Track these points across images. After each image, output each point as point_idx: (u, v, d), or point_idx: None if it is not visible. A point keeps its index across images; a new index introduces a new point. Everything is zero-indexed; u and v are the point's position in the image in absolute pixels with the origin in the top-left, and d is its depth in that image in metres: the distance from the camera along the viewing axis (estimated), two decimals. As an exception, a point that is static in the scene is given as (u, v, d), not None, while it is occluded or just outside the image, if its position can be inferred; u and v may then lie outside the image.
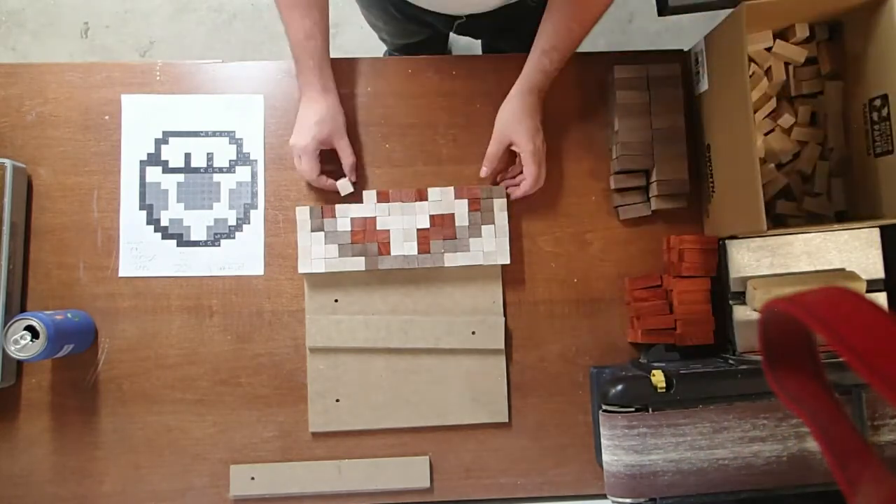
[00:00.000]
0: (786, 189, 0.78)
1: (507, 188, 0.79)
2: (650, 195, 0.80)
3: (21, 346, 0.68)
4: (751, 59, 0.76)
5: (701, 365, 0.69)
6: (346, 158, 0.78)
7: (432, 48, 1.15)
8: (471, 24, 0.88)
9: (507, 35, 0.96)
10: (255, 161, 0.81)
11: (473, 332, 0.77)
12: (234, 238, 0.79)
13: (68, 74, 0.80)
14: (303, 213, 0.77)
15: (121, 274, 0.78)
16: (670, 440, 0.62)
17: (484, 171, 0.79)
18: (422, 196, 0.78)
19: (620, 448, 0.63)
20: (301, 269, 0.77)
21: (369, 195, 0.78)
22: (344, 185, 0.78)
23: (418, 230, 0.78)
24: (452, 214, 0.78)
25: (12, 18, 1.60)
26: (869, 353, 0.26)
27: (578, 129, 0.82)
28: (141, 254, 0.78)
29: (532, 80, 0.75)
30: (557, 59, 0.73)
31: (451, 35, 1.29)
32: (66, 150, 0.79)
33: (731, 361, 0.71)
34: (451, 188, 0.79)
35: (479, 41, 1.20)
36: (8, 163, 0.74)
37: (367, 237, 0.77)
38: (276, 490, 0.75)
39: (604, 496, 0.65)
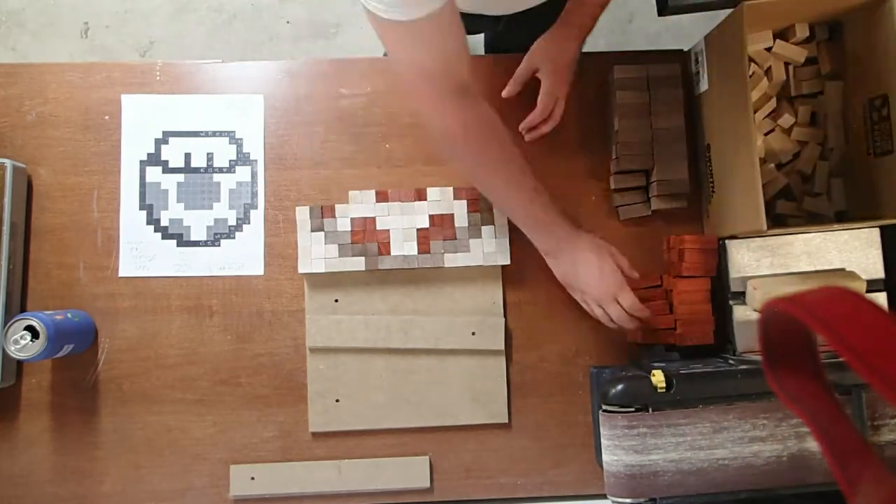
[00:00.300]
0: (786, 189, 0.78)
1: (522, 131, 0.77)
2: (650, 195, 0.80)
3: (21, 346, 0.68)
4: (751, 59, 0.76)
5: (701, 365, 0.69)
6: (625, 266, 0.71)
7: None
8: (511, 24, 0.86)
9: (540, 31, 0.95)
10: (255, 161, 0.81)
11: (473, 333, 0.77)
12: (234, 238, 0.79)
13: (68, 74, 0.80)
14: (303, 213, 0.77)
15: (121, 274, 0.78)
16: (670, 440, 0.62)
17: (506, 92, 0.76)
18: (421, 196, 0.78)
19: (620, 448, 0.63)
20: (301, 269, 0.77)
21: (369, 195, 0.78)
22: None
23: (418, 230, 0.78)
24: (452, 215, 0.78)
25: (12, 18, 1.60)
26: (869, 353, 0.26)
27: (578, 129, 0.82)
28: (141, 254, 0.78)
29: (575, 15, 0.73)
30: (599, 3, 0.71)
31: None
32: (66, 150, 0.79)
33: (731, 361, 0.71)
34: (451, 188, 0.79)
35: (482, 40, 1.19)
36: (8, 163, 0.74)
37: (367, 237, 0.77)
38: (276, 490, 0.75)
39: (604, 496, 0.65)
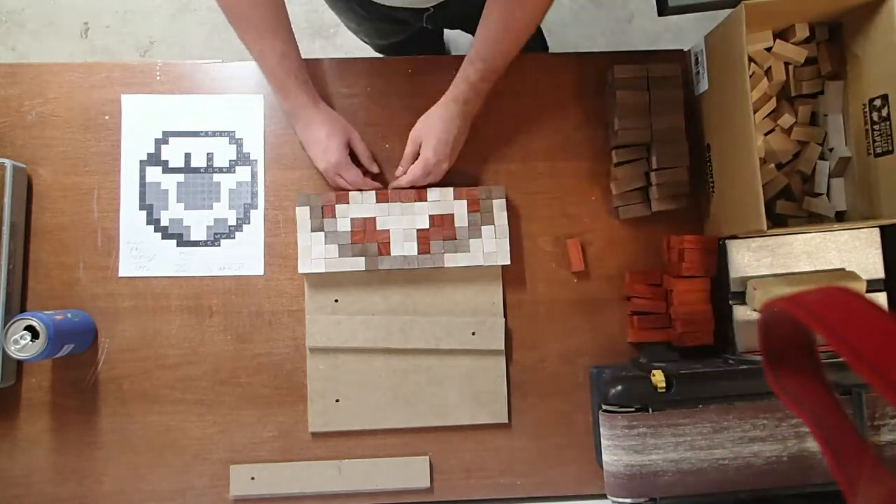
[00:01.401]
0: (786, 189, 0.78)
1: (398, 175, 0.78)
2: (650, 195, 0.80)
3: (21, 346, 0.68)
4: (751, 59, 0.76)
5: (701, 365, 0.69)
6: (364, 154, 0.78)
7: (421, 47, 1.13)
8: (439, 15, 0.86)
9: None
10: (255, 161, 0.81)
11: (473, 333, 0.77)
12: (234, 238, 0.79)
13: (68, 74, 0.80)
14: (303, 213, 0.77)
15: (121, 274, 0.78)
16: (670, 440, 0.62)
17: (398, 172, 0.79)
18: (422, 196, 0.78)
19: (620, 448, 0.63)
20: (301, 269, 0.77)
21: (369, 195, 0.78)
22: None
23: (418, 230, 0.78)
24: (452, 215, 0.78)
25: (12, 18, 1.60)
26: (869, 353, 0.26)
27: (578, 129, 0.82)
28: (141, 254, 0.78)
29: (457, 88, 0.73)
30: (482, 69, 0.71)
31: (453, 35, 1.28)
32: (66, 150, 0.79)
33: (731, 361, 0.71)
34: (451, 188, 0.79)
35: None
36: (8, 163, 0.74)
37: (367, 237, 0.77)
38: (276, 490, 0.75)
39: (604, 496, 0.65)
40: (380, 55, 1.18)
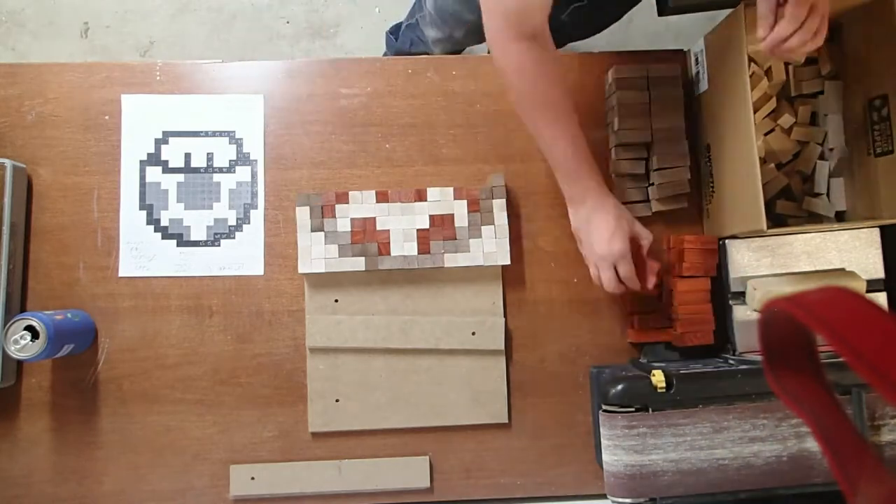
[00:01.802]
0: (786, 189, 0.78)
1: (774, 48, 0.61)
2: (650, 196, 0.80)
3: (21, 346, 0.68)
4: (751, 59, 0.76)
5: (701, 365, 0.69)
6: (646, 240, 0.73)
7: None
8: (583, 10, 0.86)
9: (622, 6, 0.93)
10: (255, 161, 0.81)
11: (473, 333, 0.77)
12: (234, 238, 0.79)
13: (68, 74, 0.80)
14: (303, 213, 0.77)
15: (121, 274, 0.78)
16: (670, 440, 0.62)
17: (760, 32, 0.62)
18: (422, 196, 0.78)
19: (620, 448, 0.63)
20: (301, 269, 0.77)
21: (369, 195, 0.78)
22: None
23: (418, 230, 0.78)
24: (452, 215, 0.78)
25: (12, 18, 1.60)
26: (869, 353, 0.26)
27: (578, 129, 0.82)
28: (141, 254, 0.78)
29: (565, 191, 0.73)
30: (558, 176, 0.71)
31: None
32: (66, 150, 0.79)
33: (731, 361, 0.71)
34: (451, 188, 0.79)
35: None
36: (8, 163, 0.74)
37: (367, 237, 0.77)
38: (276, 490, 0.75)
39: (604, 496, 0.65)
40: (380, 56, 1.18)
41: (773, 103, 0.78)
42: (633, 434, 0.63)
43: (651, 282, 0.74)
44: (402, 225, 0.78)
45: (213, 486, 0.76)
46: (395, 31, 1.23)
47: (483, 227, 0.78)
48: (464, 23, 0.98)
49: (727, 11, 0.70)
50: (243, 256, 0.79)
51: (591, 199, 0.71)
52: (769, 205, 0.76)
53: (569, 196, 0.73)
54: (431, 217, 0.78)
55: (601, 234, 0.71)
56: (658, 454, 0.62)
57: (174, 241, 0.79)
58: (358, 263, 0.77)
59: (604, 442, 0.65)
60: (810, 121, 0.78)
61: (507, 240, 0.78)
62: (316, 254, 0.77)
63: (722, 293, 0.75)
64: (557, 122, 0.69)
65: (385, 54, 1.43)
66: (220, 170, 0.80)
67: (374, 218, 0.78)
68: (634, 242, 0.72)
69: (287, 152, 0.81)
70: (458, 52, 1.12)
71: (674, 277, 0.76)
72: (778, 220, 0.78)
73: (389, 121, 0.82)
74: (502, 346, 0.78)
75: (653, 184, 0.78)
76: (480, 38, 1.04)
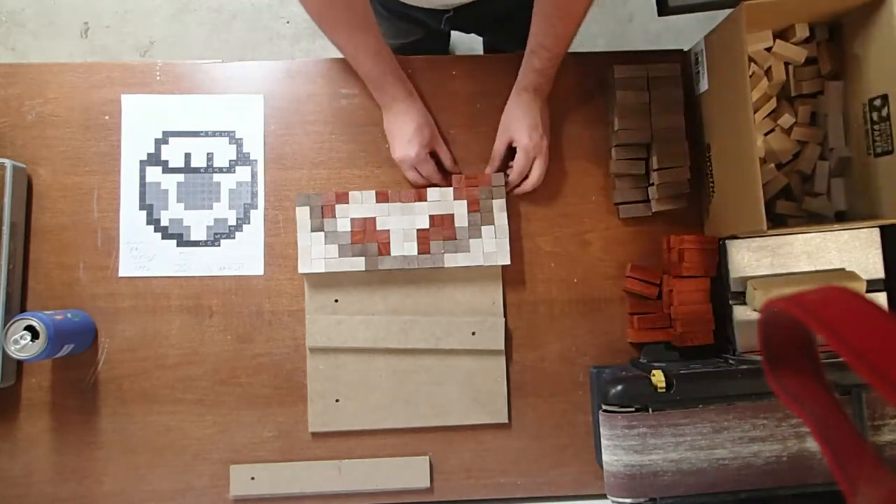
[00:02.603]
0: (786, 189, 0.78)
1: (506, 187, 0.79)
2: (650, 196, 0.80)
3: (21, 346, 0.68)
4: (751, 59, 0.76)
5: (701, 365, 0.69)
6: (447, 157, 0.80)
7: (432, 49, 1.14)
8: (459, 18, 0.87)
9: (501, 30, 0.95)
10: (255, 161, 0.81)
11: (473, 333, 0.77)
12: (234, 238, 0.79)
13: (68, 74, 0.80)
14: (303, 213, 0.77)
15: (121, 274, 0.78)
16: (670, 440, 0.62)
17: (488, 169, 0.80)
18: (421, 196, 0.78)
19: (620, 448, 0.63)
20: (301, 269, 0.77)
21: (369, 195, 0.78)
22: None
23: (418, 230, 0.78)
24: (452, 215, 0.78)
25: (12, 18, 1.60)
26: (869, 353, 0.26)
27: (578, 129, 0.82)
28: (141, 254, 0.78)
29: (525, 78, 0.76)
30: (547, 57, 0.73)
31: (453, 35, 1.28)
32: (66, 150, 0.79)
33: (731, 361, 0.72)
34: (451, 188, 0.79)
35: (482, 42, 1.19)
36: (8, 163, 0.74)
37: (367, 237, 0.77)
38: (276, 490, 0.75)
39: (604, 496, 0.65)
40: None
41: (773, 103, 0.78)
42: (633, 434, 0.63)
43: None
44: (402, 225, 0.78)
45: (213, 486, 0.76)
46: None
47: (483, 227, 0.78)
48: None
49: (727, 11, 0.70)
50: (243, 256, 0.79)
51: (396, 105, 0.77)
52: (769, 205, 0.76)
53: (379, 103, 0.79)
54: (431, 217, 0.78)
55: (401, 138, 0.77)
56: (658, 454, 0.62)
57: (174, 241, 0.79)
58: (358, 263, 0.77)
59: (604, 442, 0.65)
60: (810, 121, 0.78)
61: (507, 240, 0.78)
62: (316, 254, 0.77)
63: (722, 293, 0.75)
64: (356, 36, 0.72)
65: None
66: (220, 170, 0.80)
67: (374, 218, 0.78)
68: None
69: (287, 152, 0.81)
70: (396, 51, 1.14)
71: (674, 277, 0.76)
72: (778, 219, 0.78)
73: (389, 121, 0.82)
74: (502, 346, 0.78)
75: (653, 184, 0.78)
76: (396, 37, 1.06)
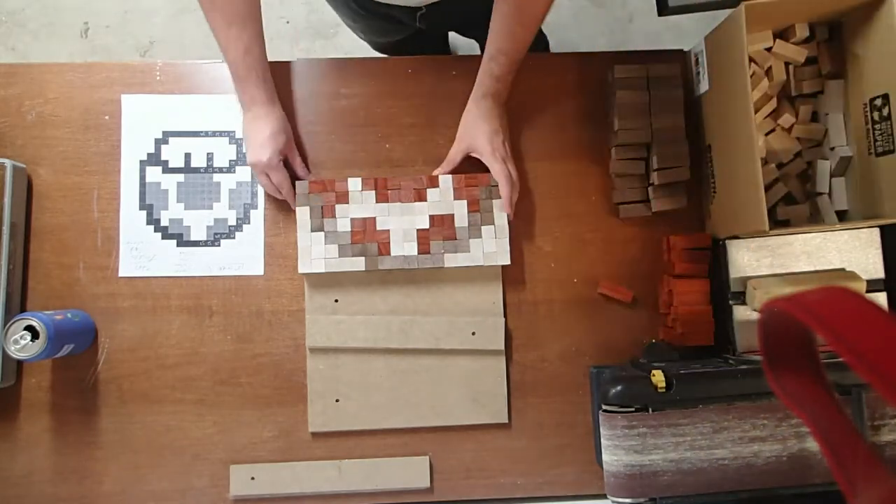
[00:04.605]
0: (786, 189, 0.78)
1: (508, 208, 0.77)
2: (651, 196, 0.80)
3: (21, 346, 0.68)
4: (751, 59, 0.76)
5: (701, 365, 0.69)
6: (300, 168, 0.79)
7: (422, 47, 1.13)
8: (432, 16, 0.87)
9: (474, 28, 0.95)
10: (255, 161, 0.80)
11: (473, 333, 0.77)
12: (234, 238, 0.79)
13: (68, 74, 0.80)
14: (303, 213, 0.77)
15: (121, 274, 0.78)
16: (670, 440, 0.62)
17: (438, 171, 0.79)
18: (421, 196, 0.78)
19: (620, 448, 0.63)
20: (301, 269, 0.77)
21: (369, 195, 0.78)
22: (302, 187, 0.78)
23: (418, 230, 0.78)
24: (452, 215, 0.78)
25: (12, 18, 1.60)
26: (869, 353, 0.26)
27: (578, 129, 0.82)
28: (141, 254, 0.78)
29: (483, 85, 0.75)
30: (505, 62, 0.73)
31: (452, 35, 1.29)
32: (66, 150, 0.79)
33: (731, 361, 0.71)
34: (451, 188, 0.78)
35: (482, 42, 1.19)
36: (8, 163, 0.74)
37: (367, 237, 0.77)
38: (276, 490, 0.75)
39: (604, 496, 0.65)
40: (381, 55, 1.18)
41: (773, 103, 0.78)
42: (633, 434, 0.63)
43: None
44: (402, 225, 0.78)
45: (213, 486, 0.76)
46: None
47: (483, 227, 0.78)
48: (352, 27, 1.02)
49: (727, 11, 0.70)
50: (243, 256, 0.79)
51: (256, 107, 0.75)
52: (771, 210, 0.76)
53: (240, 101, 0.78)
54: (431, 217, 0.78)
55: (254, 141, 0.75)
56: (658, 454, 0.62)
57: (174, 241, 0.79)
58: (358, 263, 0.77)
59: (604, 442, 0.65)
60: (811, 120, 0.78)
61: (507, 240, 0.78)
62: (316, 254, 0.77)
63: (722, 293, 0.75)
64: (231, 29, 0.71)
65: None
66: (220, 170, 0.80)
67: (374, 218, 0.78)
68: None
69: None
70: (386, 49, 1.14)
71: (674, 278, 0.76)
72: (779, 223, 0.77)
73: (389, 121, 0.82)
74: (502, 346, 0.78)
75: (653, 184, 0.78)
76: (379, 35, 1.06)
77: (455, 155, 0.78)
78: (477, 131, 0.76)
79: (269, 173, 0.76)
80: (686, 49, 0.83)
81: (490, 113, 0.76)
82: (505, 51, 0.72)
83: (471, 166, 0.81)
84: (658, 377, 0.63)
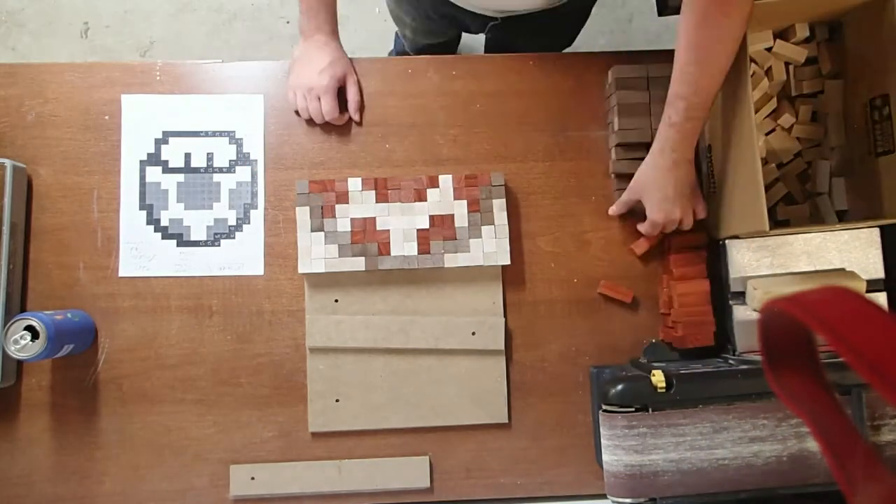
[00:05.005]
0: (786, 189, 0.78)
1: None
2: (650, 195, 0.80)
3: (21, 346, 0.68)
4: (751, 59, 0.76)
5: (701, 365, 0.69)
6: (355, 97, 0.80)
7: (447, 50, 1.13)
8: (504, 26, 0.87)
9: (540, 38, 0.93)
10: (255, 161, 0.81)
11: (473, 333, 0.77)
12: (234, 238, 0.79)
13: (68, 74, 0.80)
14: (303, 213, 0.77)
15: (121, 274, 0.78)
16: (670, 440, 0.62)
17: (611, 211, 0.80)
18: (421, 196, 0.78)
19: (620, 448, 0.63)
20: (301, 269, 0.77)
21: (369, 195, 0.78)
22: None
23: (418, 230, 0.78)
24: (452, 215, 0.78)
25: (12, 18, 1.60)
26: (869, 353, 0.26)
27: (578, 129, 0.82)
28: (141, 254, 0.78)
29: (663, 136, 0.70)
30: (683, 107, 0.66)
31: (463, 36, 1.28)
32: (66, 150, 0.79)
33: (731, 361, 0.71)
34: (451, 188, 0.78)
35: (482, 42, 1.19)
36: (8, 163, 0.74)
37: (367, 237, 0.77)
38: (276, 490, 0.75)
39: (604, 496, 0.65)
40: (381, 55, 1.18)
41: (773, 103, 0.77)
42: (633, 434, 0.63)
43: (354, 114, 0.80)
44: (402, 225, 0.78)
45: (213, 486, 0.76)
46: None
47: (483, 227, 0.78)
48: (406, 23, 1.01)
49: (727, 11, 0.70)
50: (243, 256, 0.79)
51: (319, 35, 0.78)
52: (770, 209, 0.76)
53: (301, 28, 0.79)
54: (431, 217, 0.78)
55: (314, 65, 0.77)
56: (658, 454, 0.62)
57: (174, 241, 0.79)
58: (358, 263, 0.77)
59: (604, 442, 0.65)
60: (811, 120, 0.78)
61: (507, 240, 0.78)
62: (316, 254, 0.77)
63: (722, 293, 0.75)
64: None
65: (390, 53, 1.44)
66: (220, 170, 0.80)
67: (374, 218, 0.78)
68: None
69: (287, 152, 0.81)
70: (422, 49, 1.14)
71: (672, 279, 0.76)
72: (779, 223, 0.77)
73: (389, 121, 0.82)
74: (502, 346, 0.78)
75: (653, 184, 0.78)
76: (429, 37, 1.06)
77: (626, 200, 0.77)
78: (647, 193, 0.73)
79: (323, 97, 0.77)
80: (686, 49, 0.83)
81: (665, 176, 0.71)
82: (683, 95, 0.66)
83: (472, 165, 0.81)
84: (658, 377, 0.63)
